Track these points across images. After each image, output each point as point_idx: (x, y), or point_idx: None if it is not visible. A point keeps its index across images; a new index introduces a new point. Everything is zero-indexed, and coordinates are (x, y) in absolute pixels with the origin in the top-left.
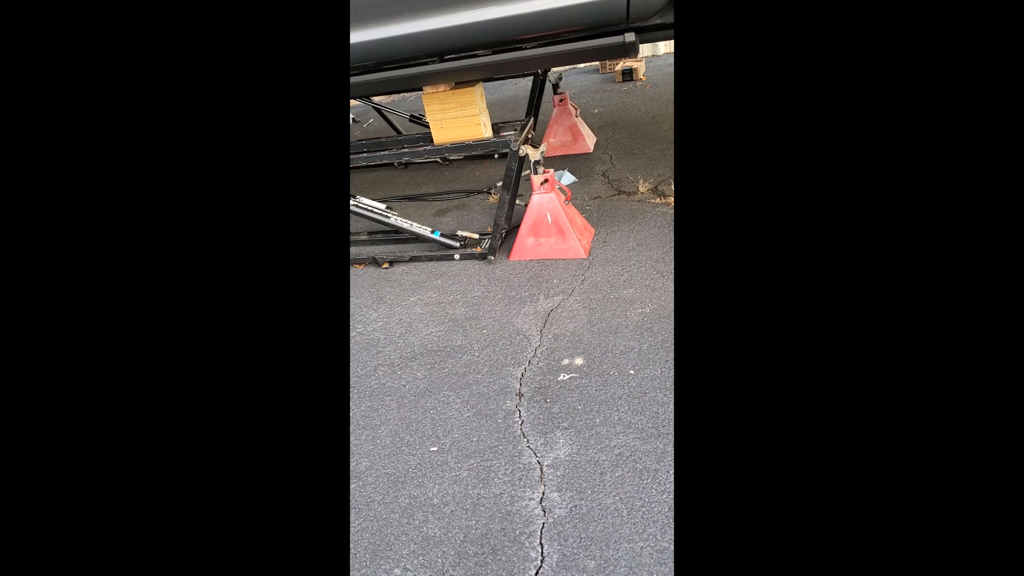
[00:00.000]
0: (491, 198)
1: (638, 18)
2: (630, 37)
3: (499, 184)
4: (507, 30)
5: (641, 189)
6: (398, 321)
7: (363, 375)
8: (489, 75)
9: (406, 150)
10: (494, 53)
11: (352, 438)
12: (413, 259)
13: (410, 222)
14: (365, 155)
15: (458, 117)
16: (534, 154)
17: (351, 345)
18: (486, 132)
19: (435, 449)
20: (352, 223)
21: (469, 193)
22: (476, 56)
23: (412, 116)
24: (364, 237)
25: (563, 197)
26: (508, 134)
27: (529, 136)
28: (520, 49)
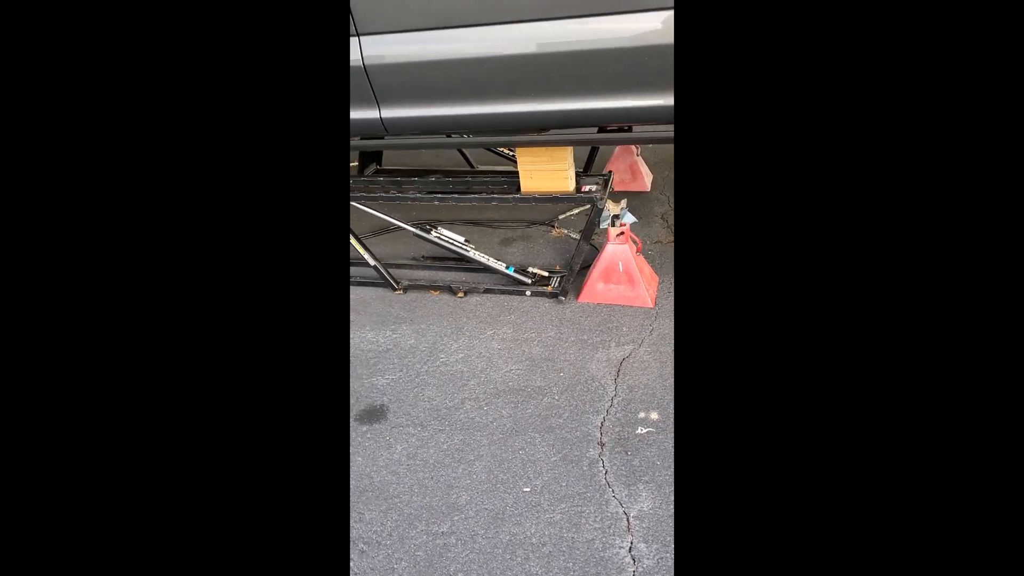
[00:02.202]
0: (554, 232)
1: None
2: None
3: (561, 217)
4: (618, 117)
5: None
6: (478, 354)
7: (451, 407)
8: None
9: (495, 196)
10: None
11: (449, 470)
12: (487, 291)
13: (486, 256)
14: (455, 196)
15: (548, 170)
16: (615, 208)
17: (439, 373)
18: (571, 185)
19: (528, 490)
20: (416, 245)
21: (532, 224)
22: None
23: (490, 148)
24: (428, 261)
25: (635, 248)
26: (591, 188)
27: (611, 190)
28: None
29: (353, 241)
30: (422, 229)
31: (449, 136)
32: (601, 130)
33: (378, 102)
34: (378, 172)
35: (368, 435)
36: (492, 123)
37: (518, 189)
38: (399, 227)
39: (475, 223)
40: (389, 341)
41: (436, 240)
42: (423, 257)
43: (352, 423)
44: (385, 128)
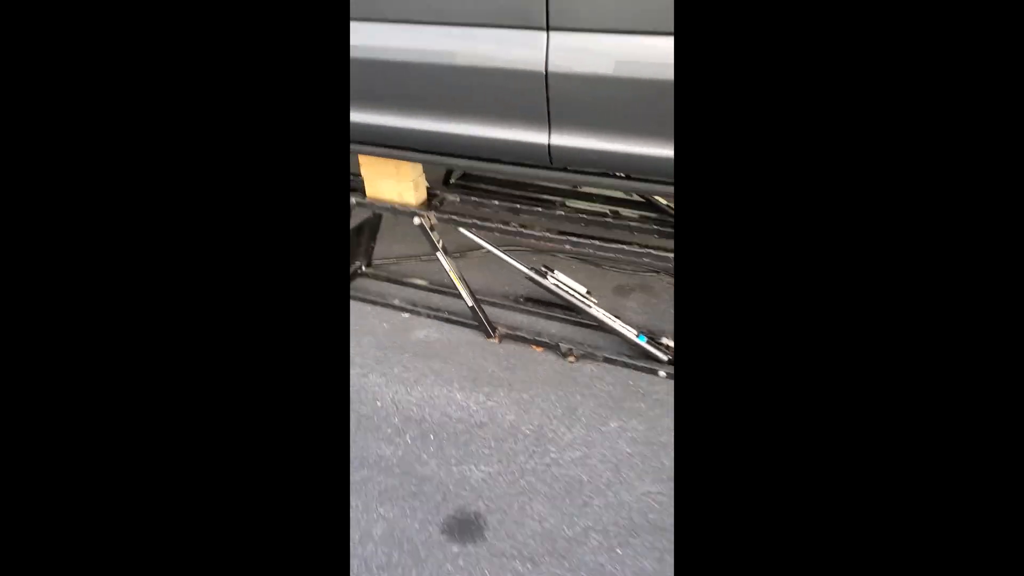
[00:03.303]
0: None
1: None
2: None
3: None
4: None
5: None
6: (601, 457)
7: (572, 540)
8: None
9: (649, 250)
10: None
11: None
12: (607, 360)
13: (613, 318)
14: (595, 244)
15: None
16: None
17: (550, 476)
18: None
19: None
20: (494, 271)
21: (653, 271)
22: None
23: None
24: (527, 304)
25: None
26: None
27: None
28: None
29: (449, 269)
30: (537, 272)
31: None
32: None
33: (550, 123)
34: (463, 187)
35: (460, 562)
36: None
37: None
38: (509, 263)
39: (582, 259)
40: (483, 411)
41: (552, 287)
42: (521, 299)
43: (437, 534)
44: (551, 159)
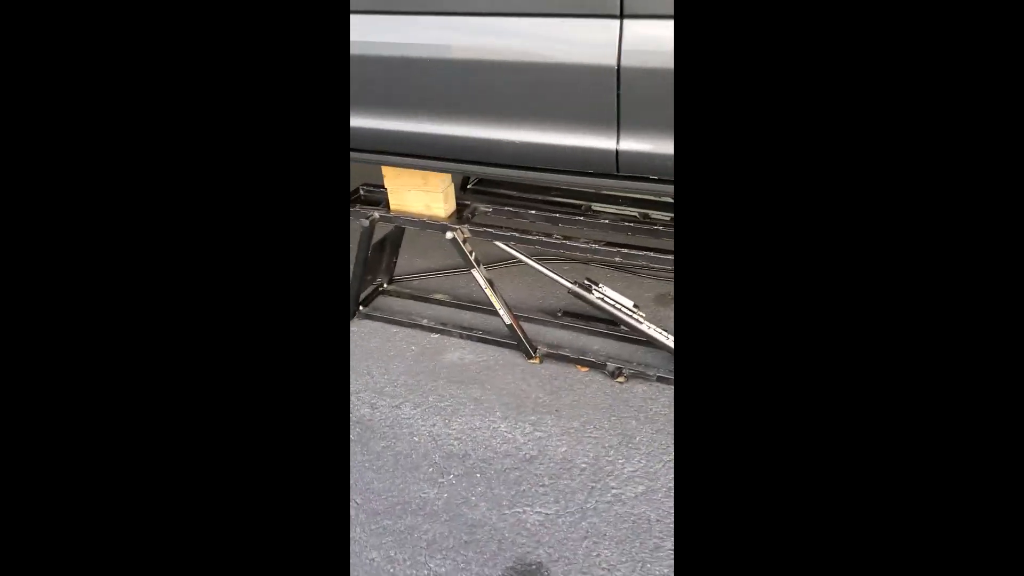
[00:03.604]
0: None
1: None
2: None
3: None
4: None
5: None
6: (666, 491)
7: None
8: None
9: None
10: None
11: None
12: (660, 380)
13: (665, 333)
14: (648, 254)
15: None
16: None
17: (614, 516)
18: None
19: None
20: (547, 295)
21: None
22: None
23: None
24: (566, 319)
25: None
26: None
27: None
28: None
29: (485, 285)
30: (581, 286)
31: None
32: None
33: (619, 125)
34: (480, 193)
35: None
36: None
37: None
38: (550, 277)
39: (618, 267)
40: (531, 443)
41: (598, 302)
42: (559, 313)
43: None
44: (618, 167)
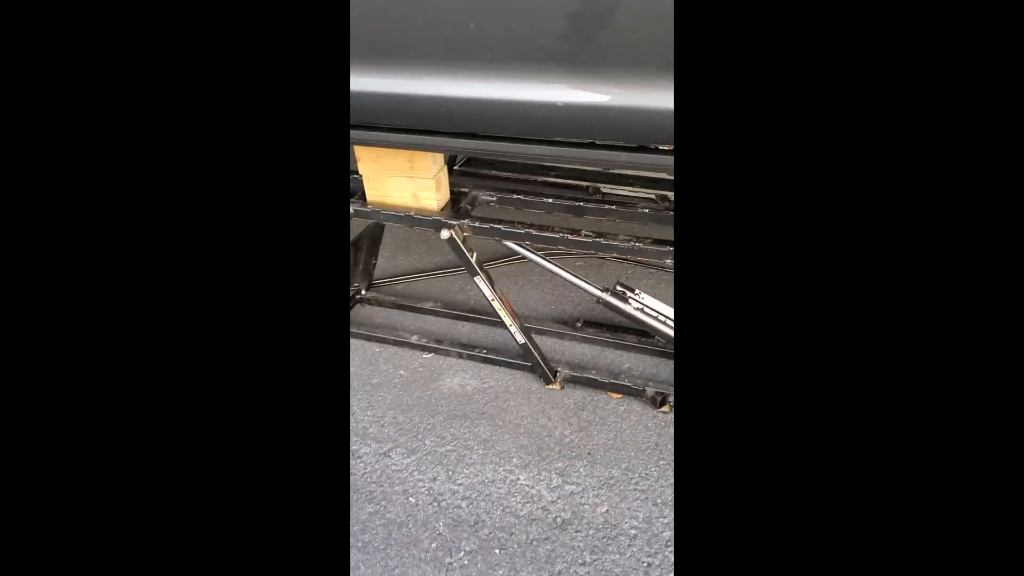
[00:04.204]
0: None
1: None
2: None
3: None
4: None
5: None
6: None
7: None
8: None
9: None
10: None
11: None
12: None
13: None
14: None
15: None
16: None
17: None
18: None
19: None
20: (560, 299)
21: None
22: None
23: None
24: (588, 331)
25: None
26: None
27: None
28: None
29: (491, 296)
30: (614, 294)
31: None
32: None
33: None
34: (468, 175)
35: None
36: None
37: None
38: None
39: (640, 262)
40: (563, 502)
41: (637, 315)
42: (580, 323)
43: None
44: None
